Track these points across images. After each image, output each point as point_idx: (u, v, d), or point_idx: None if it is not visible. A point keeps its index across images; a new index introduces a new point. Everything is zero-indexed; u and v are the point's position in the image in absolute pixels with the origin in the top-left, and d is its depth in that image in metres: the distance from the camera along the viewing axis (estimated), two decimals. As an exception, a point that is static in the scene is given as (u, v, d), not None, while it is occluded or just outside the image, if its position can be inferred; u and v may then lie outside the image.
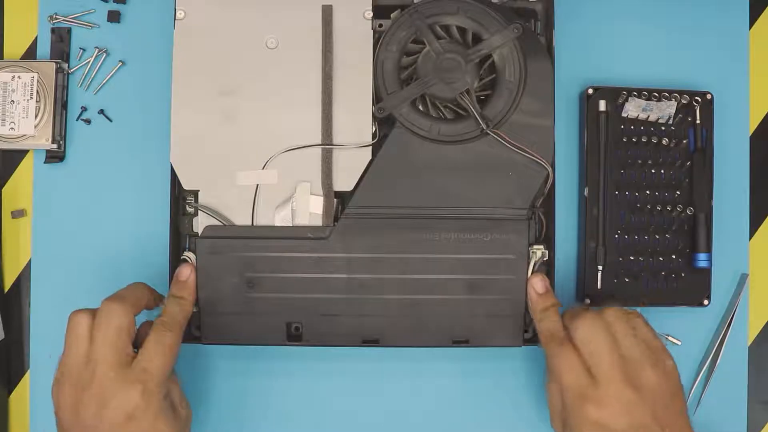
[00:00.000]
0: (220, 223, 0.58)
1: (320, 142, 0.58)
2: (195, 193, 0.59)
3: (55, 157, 0.63)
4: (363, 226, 0.57)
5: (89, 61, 0.63)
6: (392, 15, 0.60)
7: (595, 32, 0.64)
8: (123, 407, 0.50)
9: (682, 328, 0.62)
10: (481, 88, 0.59)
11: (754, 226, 0.64)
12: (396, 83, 0.59)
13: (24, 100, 0.61)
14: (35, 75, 0.61)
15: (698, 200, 0.60)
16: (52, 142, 0.62)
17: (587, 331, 0.52)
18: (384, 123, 0.59)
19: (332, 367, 0.62)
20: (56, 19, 0.63)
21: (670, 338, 0.62)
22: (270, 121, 0.58)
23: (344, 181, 0.58)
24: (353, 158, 0.58)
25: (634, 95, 0.61)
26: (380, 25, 0.59)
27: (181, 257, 0.58)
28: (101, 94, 0.63)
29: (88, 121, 0.63)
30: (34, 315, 0.62)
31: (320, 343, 0.58)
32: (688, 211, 0.60)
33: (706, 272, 0.61)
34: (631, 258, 0.60)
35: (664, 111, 0.60)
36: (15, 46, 0.64)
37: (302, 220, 0.58)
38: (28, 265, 0.63)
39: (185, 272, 0.57)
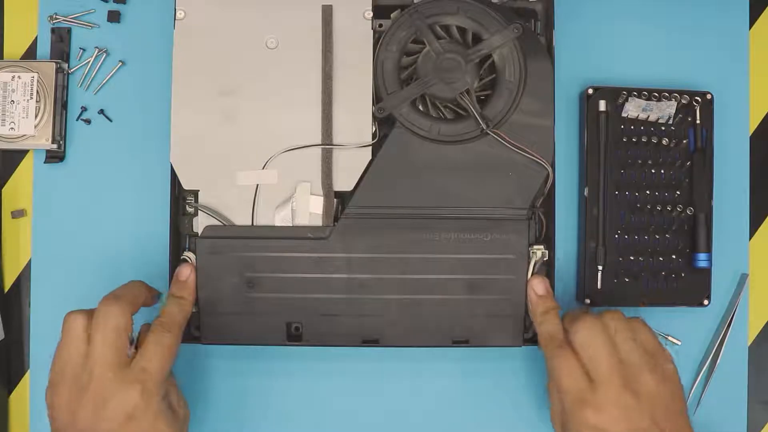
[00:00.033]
0: (220, 223, 0.58)
1: (320, 142, 0.58)
2: (195, 193, 0.59)
3: (55, 157, 0.63)
4: (363, 226, 0.57)
5: (89, 61, 0.63)
6: (392, 15, 0.60)
7: (595, 32, 0.64)
8: (122, 407, 0.50)
9: (682, 328, 0.62)
10: (481, 88, 0.59)
11: (754, 226, 0.64)
12: (396, 83, 0.59)
13: (24, 100, 0.61)
14: (35, 75, 0.61)
15: (698, 200, 0.60)
16: (52, 142, 0.62)
17: (586, 335, 0.52)
18: (384, 123, 0.59)
19: (332, 367, 0.62)
20: (56, 19, 0.63)
21: (670, 338, 0.62)
22: (270, 121, 0.58)
23: (344, 181, 0.58)
24: (353, 158, 0.58)
25: (634, 95, 0.61)
26: (380, 25, 0.59)
27: (181, 257, 0.58)
28: (101, 94, 0.63)
29: (88, 121, 0.63)
30: (34, 315, 0.62)
31: (320, 343, 0.58)
32: (688, 211, 0.60)
33: (706, 272, 0.61)
34: (631, 258, 0.60)
35: (664, 111, 0.60)
36: (15, 46, 0.64)
37: (302, 220, 0.58)
38: (28, 265, 0.63)
39: (185, 272, 0.57)
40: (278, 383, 0.62)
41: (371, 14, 0.59)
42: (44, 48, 0.63)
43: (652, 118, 0.60)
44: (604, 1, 0.64)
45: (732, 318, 0.62)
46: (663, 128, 0.61)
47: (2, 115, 0.61)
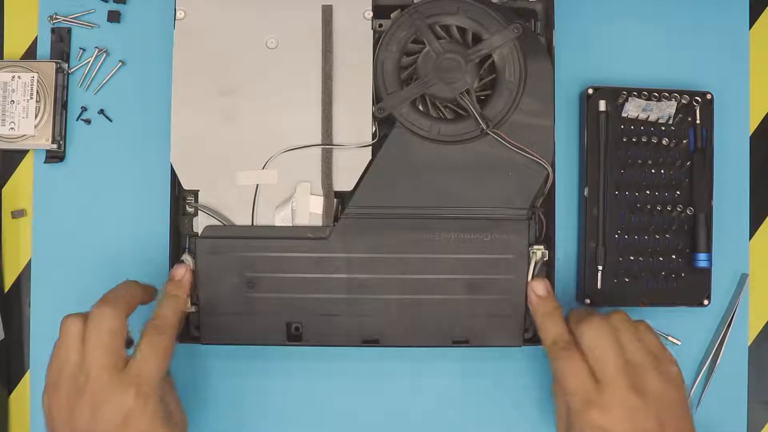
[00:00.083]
0: (220, 223, 0.58)
1: (320, 142, 0.58)
2: (195, 193, 0.59)
3: (55, 157, 0.63)
4: (363, 226, 0.57)
5: (89, 61, 0.63)
6: (392, 15, 0.60)
7: (595, 32, 0.64)
8: (118, 411, 0.50)
9: (682, 328, 0.62)
10: (481, 88, 0.59)
11: (754, 226, 0.64)
12: (396, 83, 0.59)
13: (24, 100, 0.61)
14: (35, 75, 0.61)
15: (698, 200, 0.60)
16: (52, 142, 0.62)
17: (594, 336, 0.52)
18: (384, 123, 0.59)
19: (332, 367, 0.62)
20: (56, 19, 0.63)
21: (670, 338, 0.62)
22: (270, 121, 0.58)
23: (344, 181, 0.58)
24: (353, 158, 0.58)
25: (634, 95, 0.61)
26: (380, 25, 0.59)
27: (180, 260, 0.58)
28: (101, 94, 0.63)
29: (88, 121, 0.63)
30: (34, 315, 0.62)
31: (320, 343, 0.58)
32: (688, 211, 0.60)
33: (706, 272, 0.61)
34: (631, 258, 0.60)
35: (664, 111, 0.60)
36: (15, 46, 0.64)
37: (302, 220, 0.58)
38: (28, 265, 0.63)
39: (180, 271, 0.56)
40: (278, 383, 0.62)
41: (371, 14, 0.59)
42: (44, 48, 0.63)
43: (652, 118, 0.60)
44: (604, 1, 0.64)
45: (732, 318, 0.62)
46: (663, 128, 0.61)
47: (2, 115, 0.61)
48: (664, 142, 0.61)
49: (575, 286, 0.62)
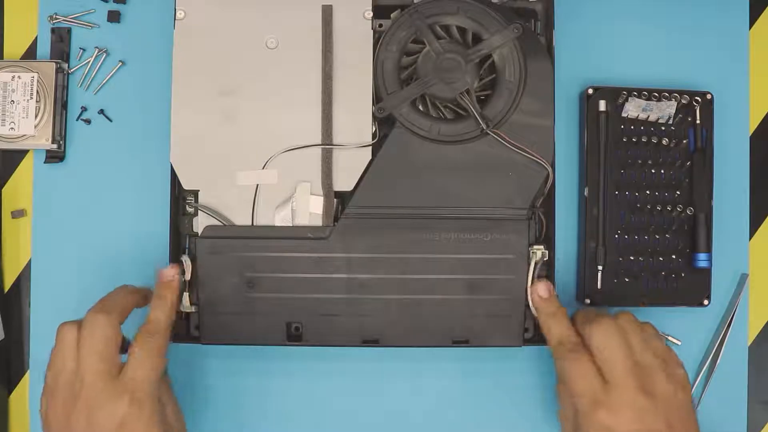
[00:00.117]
0: (220, 223, 0.58)
1: (320, 142, 0.58)
2: (195, 193, 0.59)
3: (55, 157, 0.63)
4: (363, 226, 0.57)
5: (89, 61, 0.63)
6: (392, 15, 0.60)
7: (595, 32, 0.64)
8: (113, 417, 0.50)
9: (682, 328, 0.62)
10: (481, 88, 0.59)
11: (754, 226, 0.64)
12: (396, 83, 0.59)
13: (24, 100, 0.61)
14: (35, 75, 0.61)
15: (698, 200, 0.60)
16: (52, 142, 0.62)
17: (603, 337, 0.52)
18: (384, 123, 0.59)
19: (332, 367, 0.62)
20: (56, 19, 0.63)
21: (670, 338, 0.62)
22: (270, 121, 0.58)
23: (344, 181, 0.58)
24: (353, 158, 0.58)
25: (634, 95, 0.61)
26: (380, 25, 0.59)
27: (179, 260, 0.58)
28: (101, 94, 0.63)
29: (88, 121, 0.63)
30: (34, 315, 0.62)
31: (320, 343, 0.58)
32: (688, 211, 0.60)
33: (706, 272, 0.61)
34: (631, 258, 0.60)
35: (664, 111, 0.60)
36: (15, 46, 0.64)
37: (302, 220, 0.58)
38: (28, 265, 0.63)
39: (169, 272, 0.56)
40: (278, 383, 0.62)
41: (371, 14, 0.59)
42: (44, 48, 0.63)
43: (652, 118, 0.60)
44: (604, 1, 0.64)
45: (732, 318, 0.62)
46: (663, 128, 0.61)
47: (2, 115, 0.61)
48: (664, 142, 0.61)
49: (575, 286, 0.62)
